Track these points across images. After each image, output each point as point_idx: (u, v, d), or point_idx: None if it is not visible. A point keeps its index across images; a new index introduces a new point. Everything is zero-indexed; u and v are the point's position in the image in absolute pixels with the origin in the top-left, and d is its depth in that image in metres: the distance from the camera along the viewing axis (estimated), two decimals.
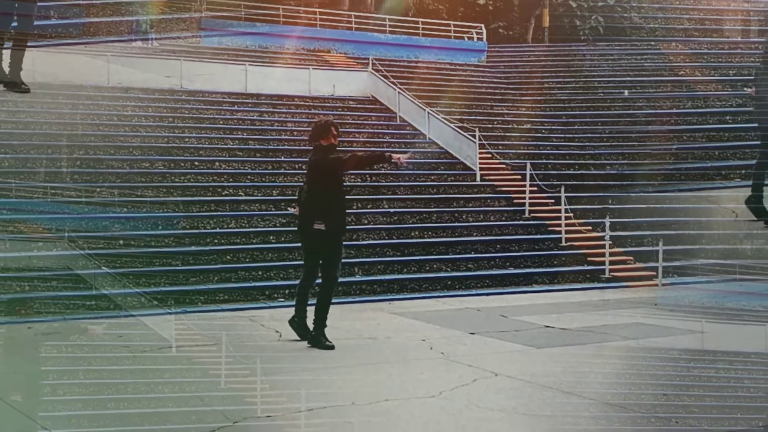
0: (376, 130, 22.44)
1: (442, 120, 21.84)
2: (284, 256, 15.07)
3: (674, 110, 24.37)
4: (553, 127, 23.59)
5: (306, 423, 6.21)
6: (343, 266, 9.64)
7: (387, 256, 16.34)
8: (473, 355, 8.38)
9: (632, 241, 17.56)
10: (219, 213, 16.43)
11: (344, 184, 9.08)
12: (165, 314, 11.26)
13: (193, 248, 15.07)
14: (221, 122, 20.66)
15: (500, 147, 21.59)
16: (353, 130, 21.31)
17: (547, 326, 10.32)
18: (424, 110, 22.27)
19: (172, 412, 6.46)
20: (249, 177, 18.23)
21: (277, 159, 19.54)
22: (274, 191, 17.70)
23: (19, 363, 8.31)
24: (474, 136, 20.75)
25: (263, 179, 18.26)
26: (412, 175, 19.75)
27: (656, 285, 15.54)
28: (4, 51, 8.25)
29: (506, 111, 24.49)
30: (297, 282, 9.28)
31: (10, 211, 14.26)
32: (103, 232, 14.51)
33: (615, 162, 21.71)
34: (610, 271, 16.31)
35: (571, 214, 17.94)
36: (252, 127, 20.77)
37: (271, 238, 15.91)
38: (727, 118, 23.30)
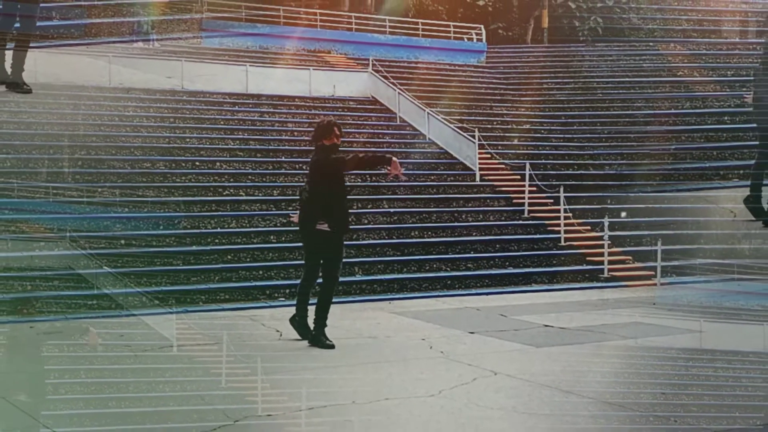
0: (376, 131, 22.46)
1: (442, 120, 21.88)
2: (285, 256, 15.11)
3: (673, 111, 24.41)
4: (552, 128, 23.62)
5: (306, 422, 6.24)
6: (344, 266, 9.65)
7: (387, 256, 16.38)
8: (473, 354, 8.41)
9: (631, 240, 17.58)
10: (220, 213, 16.47)
11: (346, 184, 9.12)
12: (166, 314, 11.27)
13: (194, 248, 15.10)
14: (222, 122, 20.69)
15: (500, 147, 21.63)
16: (353, 130, 21.33)
17: (546, 325, 10.35)
18: (424, 111, 22.30)
19: (173, 410, 6.48)
20: (250, 177, 18.27)
21: (278, 159, 19.57)
22: (274, 191, 17.74)
23: (22, 362, 8.35)
24: (473, 137, 20.78)
25: (264, 179, 18.30)
26: (412, 175, 19.79)
27: (655, 284, 15.58)
28: (6, 52, 8.28)
29: (506, 111, 24.51)
30: (298, 281, 9.31)
31: (13, 211, 14.30)
32: (104, 231, 14.54)
33: (614, 162, 21.75)
34: (609, 270, 16.34)
35: (570, 214, 17.97)
36: (253, 127, 20.80)
37: (272, 237, 15.95)
38: (726, 118, 23.33)
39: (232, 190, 17.48)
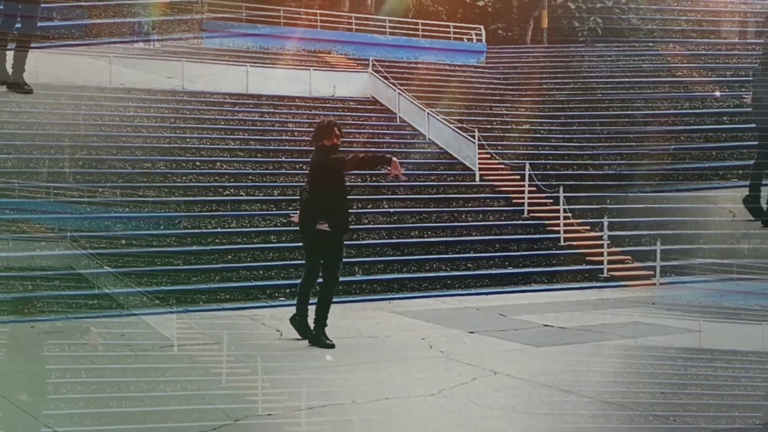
0: (376, 131, 22.48)
1: (442, 120, 21.90)
2: (285, 256, 15.14)
3: (672, 111, 24.44)
4: (551, 128, 23.64)
5: (306, 421, 6.25)
6: (344, 266, 9.67)
7: (387, 256, 16.41)
8: (472, 354, 8.42)
9: (630, 240, 17.62)
10: (220, 213, 16.49)
11: (346, 184, 9.14)
12: (167, 313, 11.30)
13: (194, 248, 15.12)
14: (222, 123, 20.71)
15: (499, 147, 21.65)
16: (353, 130, 21.35)
17: (546, 325, 10.37)
18: (424, 111, 22.33)
19: (173, 410, 6.49)
20: (250, 177, 18.30)
21: (278, 159, 19.59)
22: (275, 191, 17.76)
23: (23, 362, 8.37)
24: (473, 137, 20.80)
25: (264, 179, 18.32)
26: (412, 175, 19.81)
27: (654, 284, 15.62)
28: (7, 52, 8.29)
29: (505, 112, 24.53)
30: (298, 281, 9.33)
31: (14, 210, 14.32)
32: (105, 231, 14.56)
33: (613, 162, 21.77)
34: (609, 270, 16.38)
35: (570, 214, 18.00)
36: (253, 127, 20.82)
37: (272, 237, 15.97)
38: (725, 118, 23.36)
39: (232, 190, 17.51)
